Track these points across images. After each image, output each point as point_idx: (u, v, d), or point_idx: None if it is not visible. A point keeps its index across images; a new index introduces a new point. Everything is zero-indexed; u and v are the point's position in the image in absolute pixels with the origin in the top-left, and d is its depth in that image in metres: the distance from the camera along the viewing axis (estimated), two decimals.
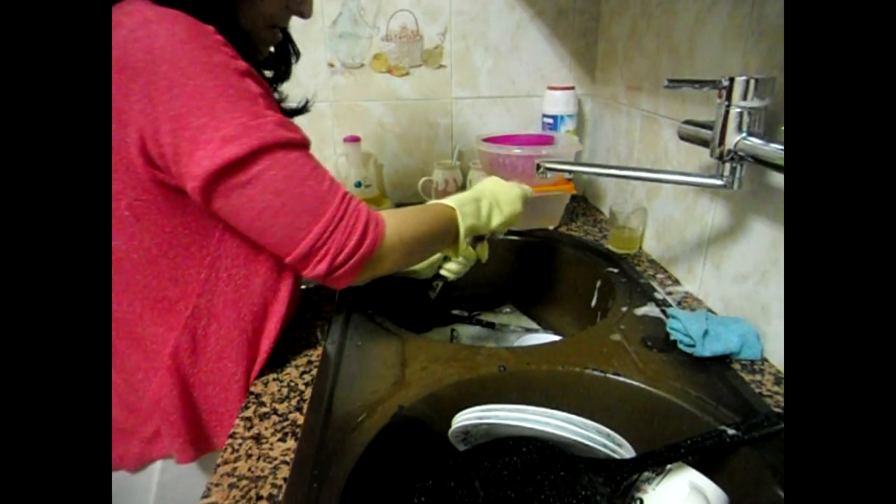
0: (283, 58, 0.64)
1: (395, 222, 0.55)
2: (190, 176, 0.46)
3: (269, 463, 0.47)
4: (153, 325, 0.53)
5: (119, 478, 0.59)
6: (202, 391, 0.56)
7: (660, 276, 0.81)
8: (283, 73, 0.65)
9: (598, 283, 0.86)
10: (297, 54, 0.65)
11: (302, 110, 0.65)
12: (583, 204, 1.18)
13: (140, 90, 0.43)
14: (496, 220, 0.70)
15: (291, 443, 0.49)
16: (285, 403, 0.55)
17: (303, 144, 0.50)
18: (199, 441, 0.56)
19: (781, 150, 0.50)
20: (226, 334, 0.55)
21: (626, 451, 0.47)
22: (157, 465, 0.58)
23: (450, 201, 0.66)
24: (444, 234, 0.63)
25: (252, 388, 0.57)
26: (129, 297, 0.52)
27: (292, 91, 0.62)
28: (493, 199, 0.70)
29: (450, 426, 0.50)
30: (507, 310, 1.00)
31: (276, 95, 0.62)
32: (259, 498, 0.43)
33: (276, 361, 0.61)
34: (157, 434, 0.56)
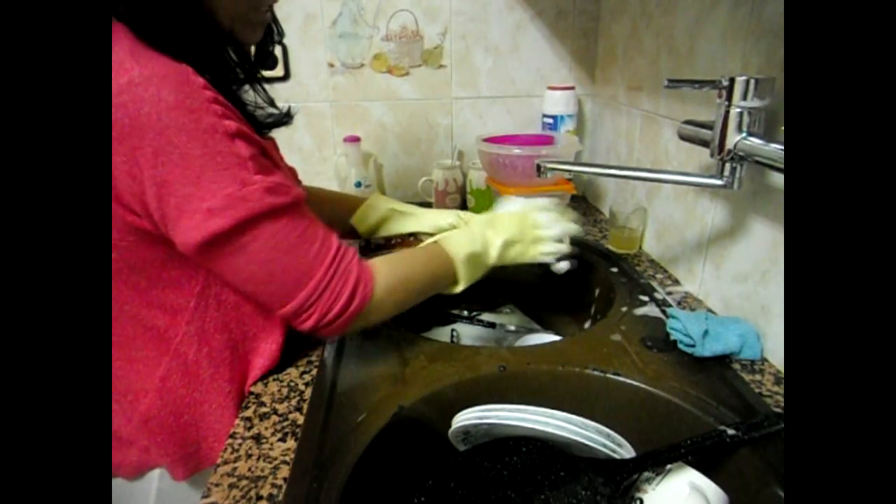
0: (267, 38, 0.60)
1: (385, 276, 0.55)
2: (175, 241, 0.46)
3: (269, 463, 0.47)
4: (145, 349, 0.53)
5: (118, 484, 0.59)
6: (196, 411, 0.55)
7: (660, 276, 0.81)
8: (268, 54, 0.61)
9: (598, 284, 0.86)
10: (282, 34, 0.63)
11: (283, 122, 0.61)
12: (583, 204, 1.18)
13: (125, 152, 0.42)
14: (499, 239, 0.65)
15: (291, 443, 0.49)
16: (285, 403, 0.55)
17: (293, 206, 0.49)
18: (190, 459, 0.56)
19: (781, 150, 0.50)
20: (218, 356, 0.55)
21: (626, 451, 0.47)
22: (156, 472, 0.58)
23: (438, 237, 0.64)
24: (441, 275, 0.62)
25: (252, 388, 0.57)
26: (121, 323, 0.52)
27: (293, 91, 0.61)
28: (485, 221, 0.67)
29: (450, 426, 0.50)
30: (507, 310, 0.99)
31: (262, 95, 0.60)
32: (259, 498, 0.43)
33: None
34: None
